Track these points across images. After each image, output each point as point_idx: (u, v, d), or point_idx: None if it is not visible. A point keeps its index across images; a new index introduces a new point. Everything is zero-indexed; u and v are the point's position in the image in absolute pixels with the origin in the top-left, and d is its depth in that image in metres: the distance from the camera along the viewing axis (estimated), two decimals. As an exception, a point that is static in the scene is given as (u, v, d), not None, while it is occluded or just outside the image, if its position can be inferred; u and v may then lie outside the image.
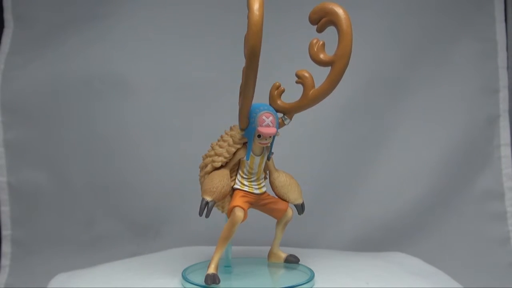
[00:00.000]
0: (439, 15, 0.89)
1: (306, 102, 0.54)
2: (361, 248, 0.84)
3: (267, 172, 0.58)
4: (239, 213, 0.52)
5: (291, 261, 0.58)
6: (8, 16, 0.90)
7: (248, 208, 0.55)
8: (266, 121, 0.52)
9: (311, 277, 0.53)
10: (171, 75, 0.87)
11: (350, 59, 0.86)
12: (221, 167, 0.55)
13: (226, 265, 0.58)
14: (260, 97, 0.55)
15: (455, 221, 0.88)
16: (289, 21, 0.86)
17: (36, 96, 0.87)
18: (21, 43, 0.89)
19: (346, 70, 0.86)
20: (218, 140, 0.56)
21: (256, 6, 0.49)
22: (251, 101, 0.51)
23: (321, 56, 0.53)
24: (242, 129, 0.54)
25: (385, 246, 0.87)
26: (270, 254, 0.59)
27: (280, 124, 0.55)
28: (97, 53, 0.87)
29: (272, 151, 0.56)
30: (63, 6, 0.89)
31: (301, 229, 0.78)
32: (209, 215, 0.52)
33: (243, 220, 0.52)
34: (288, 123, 0.56)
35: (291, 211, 0.57)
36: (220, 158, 0.54)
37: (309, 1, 0.87)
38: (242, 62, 0.53)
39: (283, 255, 0.59)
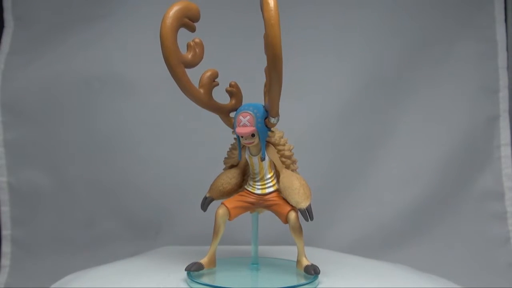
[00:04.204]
0: (439, 16, 0.89)
1: (267, 100, 0.51)
2: (361, 248, 0.84)
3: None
4: (219, 210, 0.54)
5: (309, 272, 0.53)
6: (8, 16, 0.90)
7: (249, 209, 0.55)
8: (243, 121, 0.52)
9: (315, 277, 0.53)
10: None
11: (350, 58, 0.87)
12: (233, 166, 0.58)
13: (253, 262, 0.58)
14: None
15: (455, 221, 0.88)
16: (288, 19, 0.86)
17: (36, 96, 0.87)
18: (21, 43, 0.89)
19: (346, 70, 0.87)
20: None
21: (169, 13, 0.47)
22: (201, 103, 0.54)
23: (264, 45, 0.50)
24: (233, 131, 0.55)
25: (385, 246, 0.87)
26: (297, 261, 0.55)
27: (267, 124, 0.53)
28: (97, 53, 0.87)
29: (293, 152, 0.56)
30: (63, 6, 0.89)
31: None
32: (205, 209, 0.57)
33: (231, 218, 0.54)
34: (274, 122, 0.53)
35: (293, 215, 0.53)
36: (228, 160, 0.58)
37: (305, 1, 0.88)
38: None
39: (305, 264, 0.54)
